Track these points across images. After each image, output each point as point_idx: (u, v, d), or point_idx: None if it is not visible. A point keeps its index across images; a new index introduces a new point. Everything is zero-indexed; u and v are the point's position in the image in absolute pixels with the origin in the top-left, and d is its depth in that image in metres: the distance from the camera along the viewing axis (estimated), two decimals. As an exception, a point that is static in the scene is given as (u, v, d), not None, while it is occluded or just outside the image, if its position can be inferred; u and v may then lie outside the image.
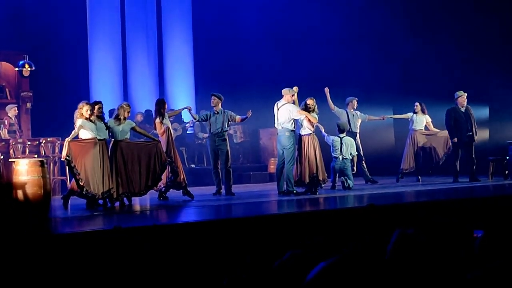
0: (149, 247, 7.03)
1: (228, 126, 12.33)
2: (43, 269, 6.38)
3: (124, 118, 10.66)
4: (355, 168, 13.45)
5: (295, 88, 11.99)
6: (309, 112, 11.74)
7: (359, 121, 14.05)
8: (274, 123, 11.93)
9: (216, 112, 12.13)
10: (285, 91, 11.84)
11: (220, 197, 11.95)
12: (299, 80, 15.74)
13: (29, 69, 14.10)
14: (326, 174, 12.12)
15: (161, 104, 11.52)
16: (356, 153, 13.20)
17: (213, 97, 12.23)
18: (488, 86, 16.15)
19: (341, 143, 12.71)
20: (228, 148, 12.19)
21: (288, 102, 11.74)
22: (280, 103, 11.78)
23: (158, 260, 6.91)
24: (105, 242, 7.06)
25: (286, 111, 11.62)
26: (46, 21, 15.47)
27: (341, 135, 12.84)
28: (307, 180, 11.76)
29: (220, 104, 12.17)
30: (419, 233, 2.86)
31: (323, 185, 12.18)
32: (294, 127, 11.73)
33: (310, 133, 11.85)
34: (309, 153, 11.77)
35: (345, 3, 17.13)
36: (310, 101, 11.89)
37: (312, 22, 17.34)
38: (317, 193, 11.79)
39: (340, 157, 12.69)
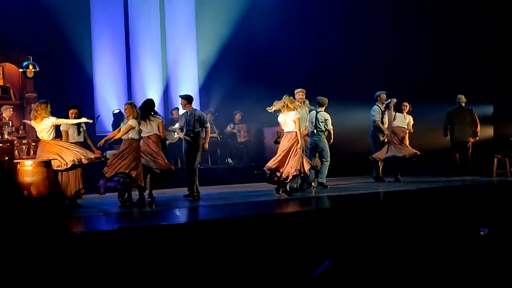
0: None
1: (200, 127, 11.81)
2: (46, 270, 6.40)
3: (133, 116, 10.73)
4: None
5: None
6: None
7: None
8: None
9: (187, 113, 11.96)
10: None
11: (220, 197, 11.94)
12: (299, 80, 15.85)
13: (33, 70, 14.10)
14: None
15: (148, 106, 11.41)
16: (332, 127, 12.96)
17: (180, 99, 12.14)
18: (493, 84, 16.17)
19: (316, 117, 12.75)
20: (198, 147, 11.80)
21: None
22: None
23: (162, 259, 6.92)
24: (110, 242, 7.09)
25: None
26: (50, 22, 15.52)
27: (318, 110, 12.85)
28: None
29: (190, 105, 11.87)
30: (414, 236, 2.88)
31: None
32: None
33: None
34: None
35: (340, 5, 17.19)
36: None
37: (307, 25, 17.40)
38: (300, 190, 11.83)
39: (315, 130, 12.77)
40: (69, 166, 10.22)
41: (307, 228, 8.11)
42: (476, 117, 14.72)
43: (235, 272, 3.22)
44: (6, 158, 10.54)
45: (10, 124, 13.34)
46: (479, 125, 14.67)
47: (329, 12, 17.32)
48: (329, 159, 12.78)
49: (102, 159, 10.78)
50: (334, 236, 7.63)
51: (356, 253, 2.94)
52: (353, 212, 9.12)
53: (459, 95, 14.75)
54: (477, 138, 14.86)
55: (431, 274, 2.79)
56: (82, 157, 10.29)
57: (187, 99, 11.99)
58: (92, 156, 10.40)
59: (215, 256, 6.96)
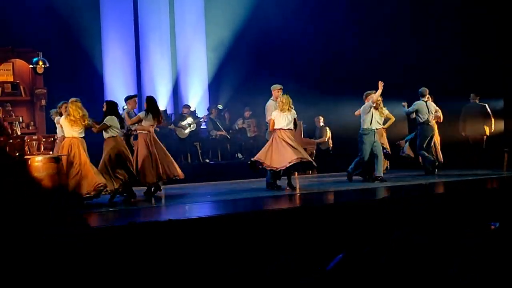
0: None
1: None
2: (55, 266, 6.43)
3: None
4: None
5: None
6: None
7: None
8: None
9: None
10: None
11: (229, 192, 11.95)
12: (309, 74, 15.82)
13: (43, 66, 14.16)
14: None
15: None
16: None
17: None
18: (503, 78, 16.13)
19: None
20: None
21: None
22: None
23: (172, 255, 6.94)
24: (120, 237, 7.12)
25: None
26: (59, 18, 15.58)
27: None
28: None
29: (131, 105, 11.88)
30: (414, 236, 2.88)
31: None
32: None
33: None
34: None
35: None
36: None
37: (320, 18, 17.39)
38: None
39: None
40: None
41: (306, 225, 8.09)
42: (489, 112, 15.27)
43: (235, 272, 3.23)
44: (17, 154, 10.62)
45: (21, 120, 13.44)
46: (492, 120, 15.21)
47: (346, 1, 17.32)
48: (362, 155, 12.66)
49: None
50: (334, 233, 7.61)
51: (356, 253, 2.95)
52: (355, 208, 9.10)
53: (472, 94, 15.35)
54: (492, 131, 15.33)
55: (431, 274, 2.80)
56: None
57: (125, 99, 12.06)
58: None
59: (215, 254, 6.96)
